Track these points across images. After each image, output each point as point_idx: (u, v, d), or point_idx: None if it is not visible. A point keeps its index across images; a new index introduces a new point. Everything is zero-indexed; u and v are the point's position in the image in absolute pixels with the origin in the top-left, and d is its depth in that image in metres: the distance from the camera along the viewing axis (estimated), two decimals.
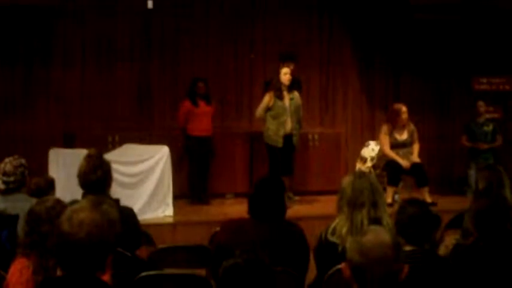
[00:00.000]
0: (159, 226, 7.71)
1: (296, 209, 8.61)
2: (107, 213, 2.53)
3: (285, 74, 8.84)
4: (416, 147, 9.34)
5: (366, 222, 3.92)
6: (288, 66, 8.97)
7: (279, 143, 8.82)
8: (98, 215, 2.49)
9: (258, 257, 2.66)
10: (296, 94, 9.04)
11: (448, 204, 8.81)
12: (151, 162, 8.24)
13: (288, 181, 8.83)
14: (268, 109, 8.87)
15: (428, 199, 8.66)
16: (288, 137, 8.88)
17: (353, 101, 11.09)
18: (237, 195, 9.37)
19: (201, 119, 9.13)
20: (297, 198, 9.30)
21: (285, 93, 8.89)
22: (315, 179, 10.09)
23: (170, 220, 8.18)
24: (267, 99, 8.87)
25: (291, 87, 8.94)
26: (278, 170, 8.68)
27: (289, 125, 8.86)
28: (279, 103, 8.83)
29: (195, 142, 9.12)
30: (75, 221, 2.46)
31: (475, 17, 10.45)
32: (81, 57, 9.97)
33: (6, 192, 5.00)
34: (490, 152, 9.99)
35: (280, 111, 8.82)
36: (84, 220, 2.46)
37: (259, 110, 8.96)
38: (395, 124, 9.27)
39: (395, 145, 9.21)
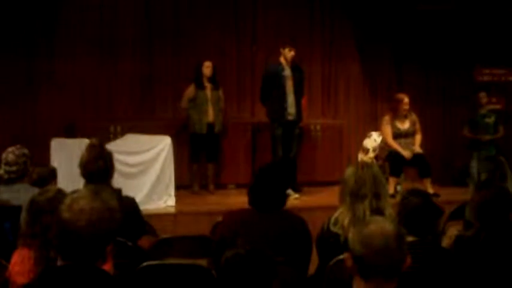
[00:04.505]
0: (161, 216, 7.71)
1: (298, 200, 8.62)
2: (107, 202, 2.52)
3: (207, 67, 9.12)
4: (418, 138, 9.34)
5: (368, 213, 3.91)
6: (290, 51, 8.96)
7: (203, 130, 9.07)
8: (98, 202, 2.49)
9: (259, 247, 2.65)
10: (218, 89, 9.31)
11: (449, 196, 8.79)
12: (153, 152, 8.23)
13: (212, 169, 9.36)
14: (191, 100, 9.10)
15: (431, 190, 8.64)
16: (210, 126, 9.10)
17: (355, 92, 11.07)
18: (239, 185, 9.36)
19: None
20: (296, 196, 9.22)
21: (207, 83, 9.12)
22: (317, 169, 10.07)
23: (172, 210, 8.18)
24: (189, 90, 9.13)
25: (213, 81, 9.19)
26: (200, 157, 9.21)
27: (211, 115, 9.08)
28: (201, 93, 9.07)
29: None
30: (75, 209, 2.46)
31: (478, 8, 10.41)
32: (83, 47, 9.94)
33: (9, 181, 5.00)
34: (492, 144, 9.95)
35: (201, 101, 9.06)
36: (84, 207, 2.46)
37: (183, 101, 9.20)
38: (396, 113, 9.27)
39: (398, 135, 9.20)
